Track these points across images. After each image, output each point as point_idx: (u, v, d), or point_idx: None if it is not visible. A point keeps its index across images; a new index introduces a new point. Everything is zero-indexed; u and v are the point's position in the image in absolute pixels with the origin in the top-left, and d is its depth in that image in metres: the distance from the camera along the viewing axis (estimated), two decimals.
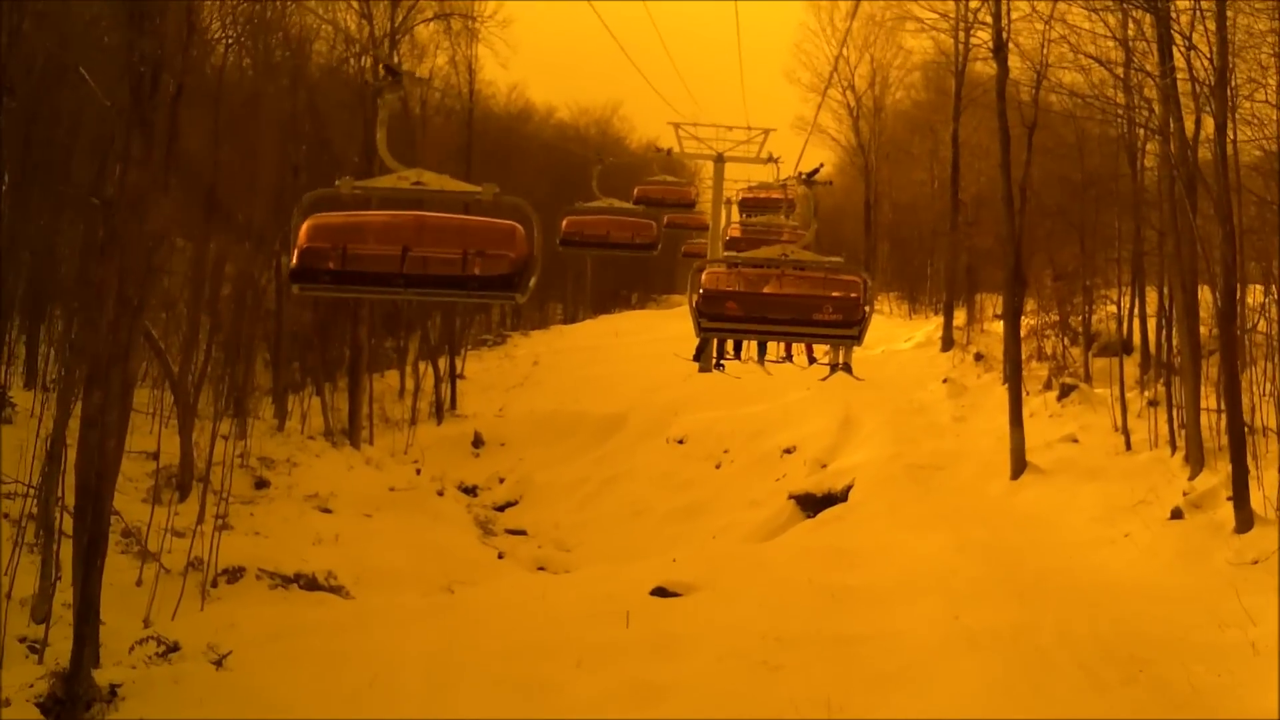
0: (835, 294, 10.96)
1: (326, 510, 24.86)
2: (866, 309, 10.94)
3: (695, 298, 11.08)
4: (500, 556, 25.12)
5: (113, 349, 13.43)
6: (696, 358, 21.30)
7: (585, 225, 20.55)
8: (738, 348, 19.19)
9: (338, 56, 35.71)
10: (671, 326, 40.54)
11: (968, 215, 39.95)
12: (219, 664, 13.72)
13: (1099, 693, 10.47)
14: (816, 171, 14.89)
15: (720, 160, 38.99)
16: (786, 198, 26.59)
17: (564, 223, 20.04)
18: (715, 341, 18.63)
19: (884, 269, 57.69)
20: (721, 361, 20.05)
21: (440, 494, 28.66)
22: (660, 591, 15.95)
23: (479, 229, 8.72)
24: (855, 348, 18.55)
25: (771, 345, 19.55)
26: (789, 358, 19.77)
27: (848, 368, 19.34)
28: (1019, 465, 23.88)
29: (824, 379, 20.65)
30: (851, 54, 58.49)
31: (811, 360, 20.00)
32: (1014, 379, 24.72)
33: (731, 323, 11.28)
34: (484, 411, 38.83)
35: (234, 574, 19.26)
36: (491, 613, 15.62)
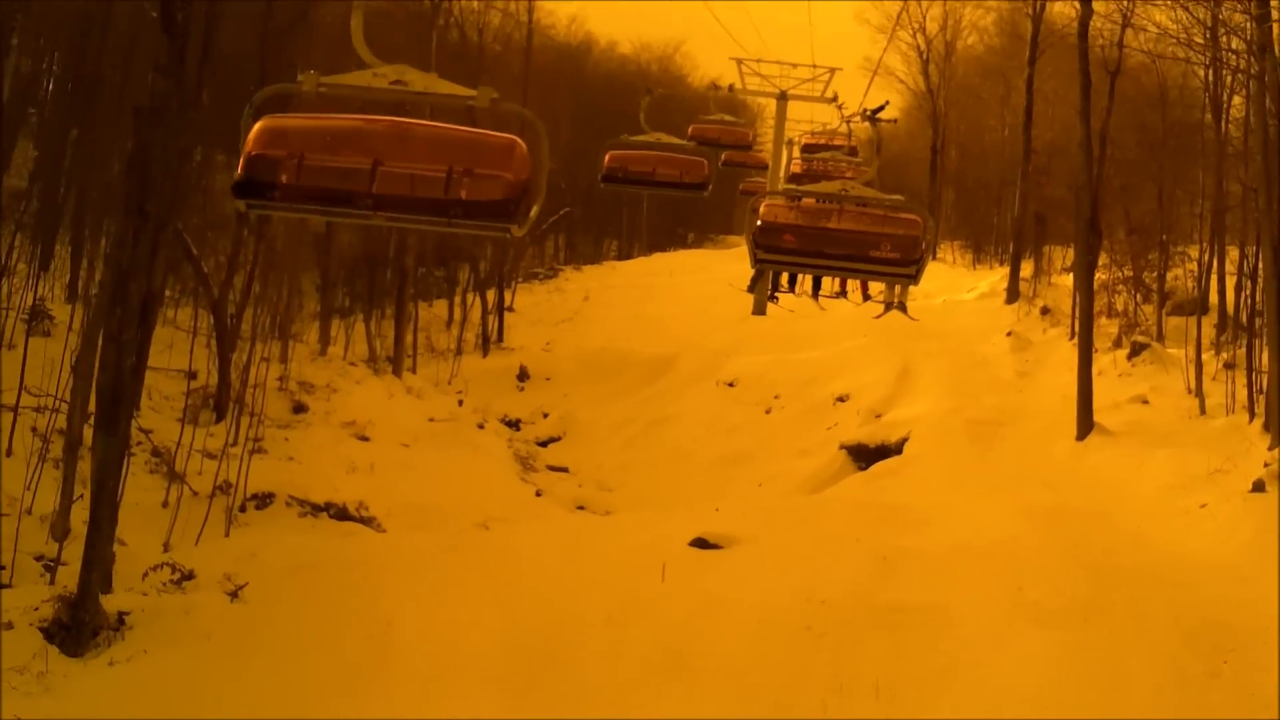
0: (894, 232, 10.70)
1: (364, 438, 24.19)
2: (925, 248, 10.83)
3: (753, 229, 10.94)
4: (538, 494, 24.40)
5: (131, 263, 12.64)
6: (751, 289, 20.83)
7: (630, 161, 18.65)
8: (793, 281, 18.84)
9: None
10: (728, 267, 39.71)
11: (1040, 164, 38.47)
12: (234, 595, 13.04)
13: (1180, 687, 9.46)
14: (881, 109, 15.06)
15: (783, 98, 37.85)
16: (849, 144, 25.93)
17: (606, 157, 18.27)
18: (770, 274, 18.12)
19: (948, 217, 56.13)
20: (776, 294, 19.77)
21: (481, 426, 27.91)
22: (700, 543, 15.04)
23: (470, 142, 7.15)
24: (911, 288, 17.99)
25: (826, 281, 19.30)
26: (844, 294, 19.52)
27: (903, 307, 18.73)
28: (1086, 425, 22.74)
29: (878, 317, 19.76)
30: None
31: (866, 297, 19.55)
32: (1084, 334, 23.52)
33: (788, 255, 11.09)
34: (531, 345, 38.02)
35: (263, 500, 18.70)
36: (522, 557, 14.84)
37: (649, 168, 18.63)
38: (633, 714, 9.88)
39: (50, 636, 11.53)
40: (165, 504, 17.22)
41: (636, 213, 66.08)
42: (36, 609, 11.71)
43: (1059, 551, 14.04)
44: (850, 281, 19.28)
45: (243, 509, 18.12)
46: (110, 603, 12.21)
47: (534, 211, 7.17)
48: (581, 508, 24.35)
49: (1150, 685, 9.25)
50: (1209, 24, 23.60)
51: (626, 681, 10.40)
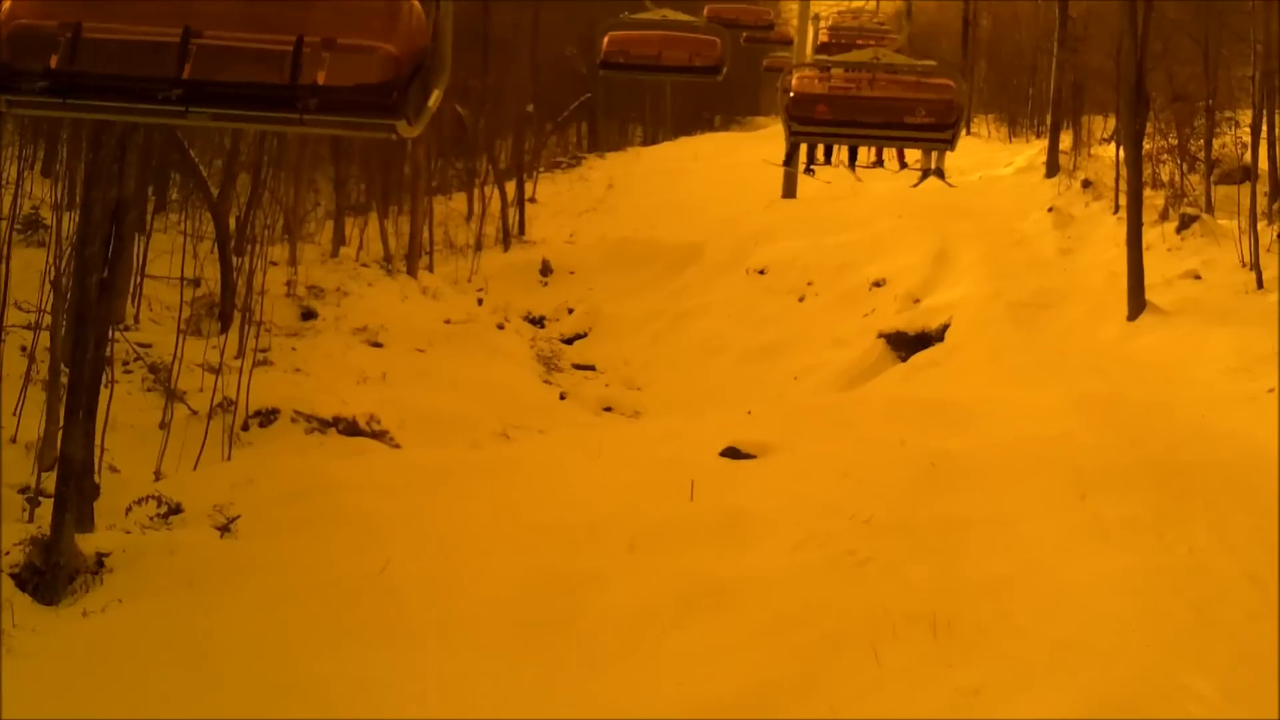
0: (929, 97, 10.84)
1: (376, 344, 23.13)
2: (960, 113, 11.03)
3: (785, 101, 11.06)
4: (562, 397, 23.29)
5: (93, 167, 11.48)
6: (787, 163, 20.52)
7: (632, 43, 16.90)
8: (828, 153, 18.66)
9: None
10: (757, 149, 38.18)
11: (1075, 31, 36.49)
12: (225, 530, 12.07)
13: (1272, 610, 8.28)
14: None
15: None
16: (878, 21, 24.89)
17: (604, 40, 16.65)
18: (805, 147, 17.71)
19: (981, 89, 53.95)
20: (812, 167, 19.61)
21: (500, 327, 26.76)
22: (731, 452, 13.94)
23: (329, 3, 5.22)
24: (947, 162, 19.75)
25: (862, 152, 19.27)
26: (879, 163, 19.47)
27: (940, 173, 18.52)
28: (1137, 305, 21.39)
29: (916, 184, 19.61)
30: None
31: (903, 165, 19.47)
32: (1134, 207, 21.98)
33: (822, 126, 11.22)
34: (554, 238, 36.66)
35: (267, 417, 17.59)
36: (541, 474, 13.79)
37: (654, 50, 16.98)
38: (658, 655, 8.85)
39: (23, 583, 10.57)
40: (163, 424, 16.25)
41: (660, 97, 63.87)
42: (7, 553, 10.75)
43: (1119, 450, 12.82)
44: (886, 150, 19.22)
45: (245, 428, 17.03)
46: (89, 542, 11.18)
47: (433, 100, 5.10)
48: (608, 409, 23.38)
49: (1247, 619, 8.03)
50: None
51: (651, 618, 9.31)
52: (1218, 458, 12.57)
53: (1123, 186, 27.91)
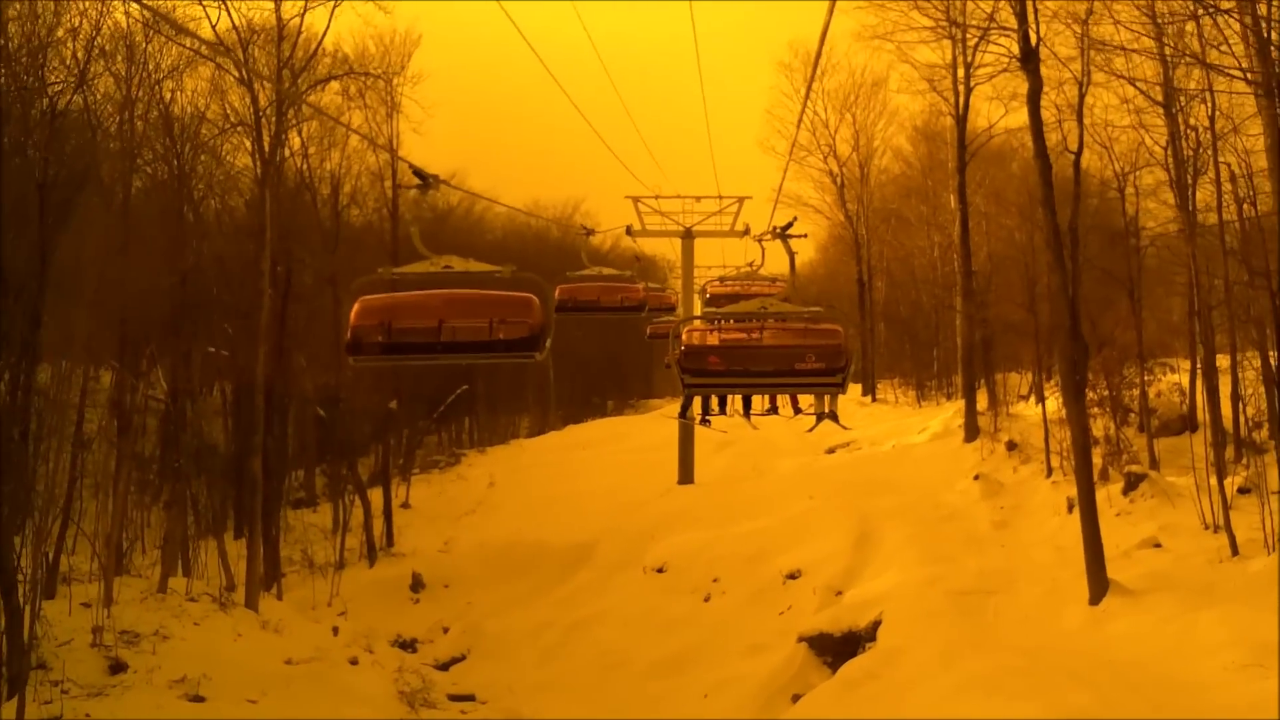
0: (817, 343, 11.65)
1: (197, 699, 18.89)
2: (848, 355, 11.78)
3: (677, 355, 11.85)
4: None
5: None
6: (682, 415, 20.70)
7: (578, 292, 22.52)
8: (723, 403, 18.80)
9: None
10: (649, 432, 35.51)
11: (980, 284, 34.53)
12: None
13: None
14: (790, 225, 16.13)
15: (689, 235, 34.16)
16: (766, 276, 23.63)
17: (557, 291, 20.60)
18: (700, 399, 18.05)
19: (882, 353, 52.08)
20: (707, 418, 19.31)
21: (354, 663, 22.60)
22: None
23: (500, 301, 10.47)
24: (856, 435, 23.56)
25: (756, 401, 19.64)
26: (774, 409, 19.72)
27: (834, 416, 17.30)
28: (1100, 585, 18.05)
29: (810, 430, 18.67)
30: (830, 116, 53.68)
31: (797, 411, 19.65)
32: (1083, 471, 18.68)
33: (715, 377, 11.95)
34: (427, 547, 32.96)
35: None
36: None
37: (594, 295, 22.80)
38: None
39: None
40: None
41: (545, 384, 61.19)
42: None
43: None
44: (780, 396, 19.75)
45: None
46: None
47: (549, 343, 10.79)
48: None
49: None
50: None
51: None
52: None
53: (1054, 447, 25.24)
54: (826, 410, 18.07)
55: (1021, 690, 13.99)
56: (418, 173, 10.91)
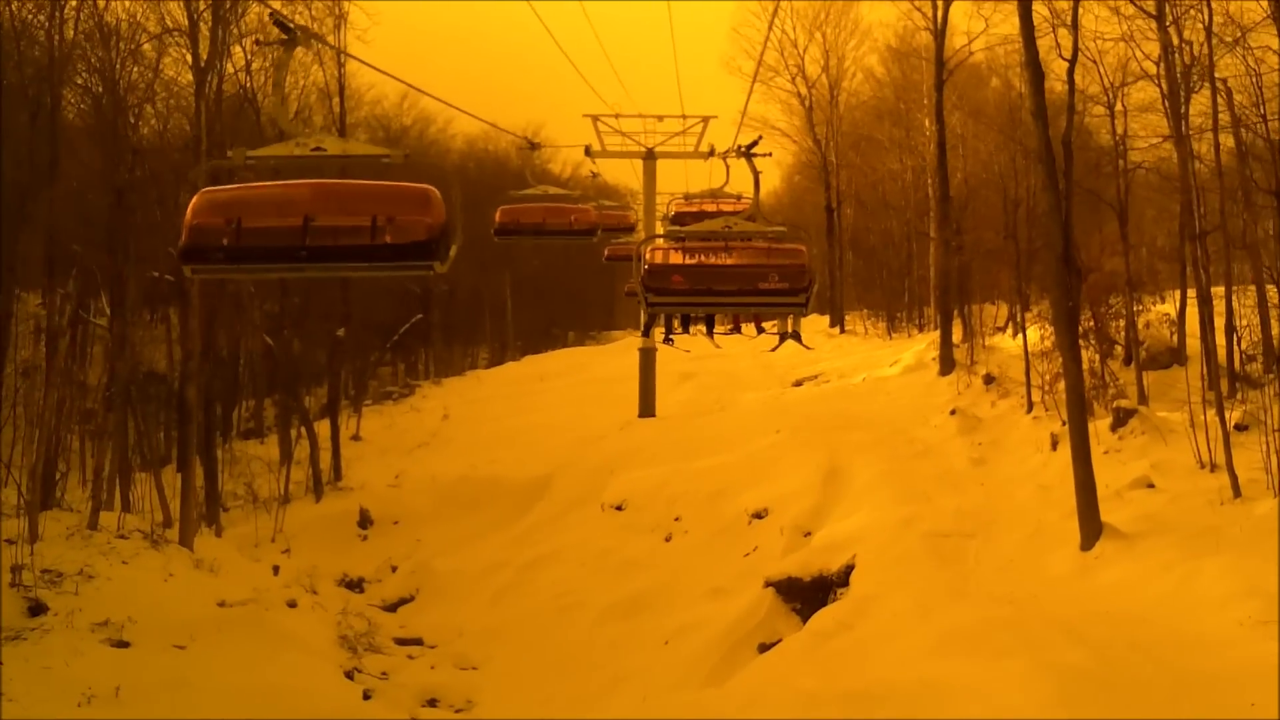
0: (781, 262, 11.80)
1: (120, 644, 17.42)
2: (812, 275, 12.07)
3: (641, 274, 11.94)
4: (367, 697, 17.89)
5: None
6: (645, 334, 22.20)
7: (520, 214, 21.25)
8: (686, 322, 19.34)
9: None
10: (609, 364, 34.12)
11: (956, 210, 33.16)
12: None
13: None
14: (755, 144, 15.82)
15: (650, 156, 32.57)
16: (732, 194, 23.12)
17: (498, 213, 20.37)
18: (663, 318, 18.29)
19: (851, 283, 50.64)
20: (670, 337, 19.71)
21: (292, 604, 21.19)
22: None
23: (388, 194, 8.41)
24: (826, 368, 23.97)
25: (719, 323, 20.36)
26: (737, 329, 20.64)
27: (797, 336, 18.28)
28: (1092, 530, 16.81)
29: (773, 349, 19.64)
30: (800, 35, 51.97)
31: (760, 330, 20.17)
32: (1076, 408, 17.34)
33: (678, 296, 12.05)
34: (376, 481, 31.56)
35: None
36: None
37: (539, 218, 21.51)
38: None
39: None
40: None
41: (501, 316, 59.40)
42: None
43: None
44: (742, 316, 20.25)
45: None
46: None
47: (453, 251, 8.72)
48: (433, 702, 18.46)
49: None
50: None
51: None
52: None
53: (1035, 380, 23.99)
54: (790, 330, 18.30)
55: (1009, 646, 12.67)
56: (280, 23, 8.54)
